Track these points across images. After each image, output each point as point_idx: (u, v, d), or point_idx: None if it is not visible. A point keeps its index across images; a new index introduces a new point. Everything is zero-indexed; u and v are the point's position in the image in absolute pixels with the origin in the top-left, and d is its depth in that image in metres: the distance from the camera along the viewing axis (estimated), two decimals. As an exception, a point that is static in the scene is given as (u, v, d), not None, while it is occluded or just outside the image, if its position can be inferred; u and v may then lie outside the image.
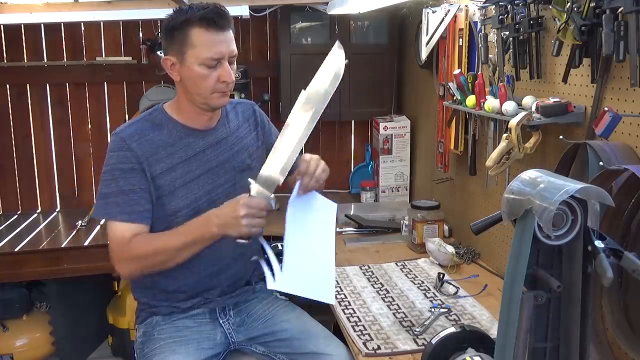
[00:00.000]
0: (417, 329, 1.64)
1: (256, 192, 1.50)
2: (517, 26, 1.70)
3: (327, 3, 2.75)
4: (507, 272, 0.97)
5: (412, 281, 2.01)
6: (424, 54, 2.55)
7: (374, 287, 1.97)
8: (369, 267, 2.15)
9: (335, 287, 1.46)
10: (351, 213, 2.74)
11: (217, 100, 1.63)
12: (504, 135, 1.69)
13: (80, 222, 2.93)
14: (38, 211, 3.26)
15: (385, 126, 2.97)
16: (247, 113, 1.86)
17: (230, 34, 1.60)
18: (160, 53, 2.96)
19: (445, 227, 2.40)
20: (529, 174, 0.98)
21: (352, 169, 3.45)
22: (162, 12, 2.70)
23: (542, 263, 0.96)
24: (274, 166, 1.52)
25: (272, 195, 1.51)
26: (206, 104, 1.63)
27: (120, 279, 2.98)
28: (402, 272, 2.11)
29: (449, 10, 2.26)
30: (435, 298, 1.87)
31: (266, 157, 1.75)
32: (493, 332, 1.49)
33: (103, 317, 3.00)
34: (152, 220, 1.65)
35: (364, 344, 1.58)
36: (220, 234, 1.51)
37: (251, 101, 1.94)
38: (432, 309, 1.76)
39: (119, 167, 1.61)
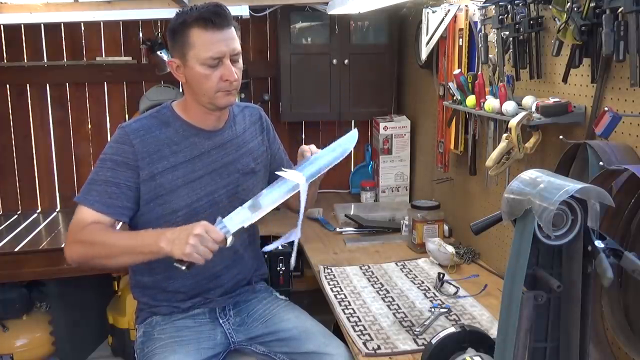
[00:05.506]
0: (417, 329, 1.64)
1: (219, 224, 1.47)
2: (517, 26, 1.70)
3: (327, 3, 2.75)
4: (507, 272, 0.97)
5: (412, 281, 2.01)
6: (424, 54, 2.55)
7: (374, 287, 1.97)
8: (369, 267, 2.15)
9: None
10: (351, 213, 2.74)
11: (222, 99, 1.62)
12: (504, 135, 1.69)
13: (80, 222, 2.92)
14: (38, 211, 3.26)
15: (385, 126, 2.97)
16: (254, 117, 1.87)
17: (231, 32, 1.59)
18: (160, 53, 2.97)
19: (445, 227, 2.40)
20: (529, 174, 0.98)
21: (352, 169, 3.44)
22: (162, 12, 2.69)
23: (542, 263, 0.96)
24: (246, 215, 1.50)
25: (231, 236, 1.46)
26: (212, 103, 1.63)
27: (120, 278, 2.98)
28: (402, 272, 2.11)
29: (449, 10, 2.26)
30: (435, 298, 1.87)
31: (270, 164, 1.76)
32: (493, 332, 1.49)
33: (103, 317, 2.99)
34: (148, 218, 1.66)
35: (364, 344, 1.58)
36: (165, 250, 1.43)
37: (258, 106, 1.94)
38: (432, 309, 1.76)
39: (114, 158, 1.62)
